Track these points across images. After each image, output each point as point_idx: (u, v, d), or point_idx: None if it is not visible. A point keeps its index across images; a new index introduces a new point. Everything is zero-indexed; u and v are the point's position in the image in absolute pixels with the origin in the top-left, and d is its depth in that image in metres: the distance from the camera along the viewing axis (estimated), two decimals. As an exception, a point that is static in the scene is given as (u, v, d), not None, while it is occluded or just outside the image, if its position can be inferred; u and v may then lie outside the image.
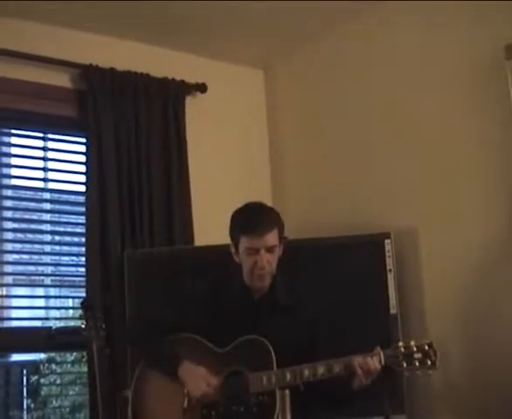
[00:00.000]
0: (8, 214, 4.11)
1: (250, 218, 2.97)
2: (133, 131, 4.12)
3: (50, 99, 4.00)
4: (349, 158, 4.31)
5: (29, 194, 4.23)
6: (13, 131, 4.11)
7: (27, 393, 4.37)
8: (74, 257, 4.22)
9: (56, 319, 4.06)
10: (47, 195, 4.22)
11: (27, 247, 4.22)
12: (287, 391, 2.44)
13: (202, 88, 4.45)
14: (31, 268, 4.22)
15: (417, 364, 2.76)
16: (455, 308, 3.69)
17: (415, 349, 2.77)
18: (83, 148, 4.07)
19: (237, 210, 3.03)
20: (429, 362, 2.75)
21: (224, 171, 4.54)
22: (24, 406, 4.29)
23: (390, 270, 3.75)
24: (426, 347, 2.77)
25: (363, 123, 4.24)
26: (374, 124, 4.18)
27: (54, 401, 4.34)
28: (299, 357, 2.84)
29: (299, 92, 4.72)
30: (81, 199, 4.04)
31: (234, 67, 4.73)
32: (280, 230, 2.98)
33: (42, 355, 4.35)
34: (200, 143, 4.40)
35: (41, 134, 4.15)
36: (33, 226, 4.23)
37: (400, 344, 2.80)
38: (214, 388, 2.85)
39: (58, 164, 4.18)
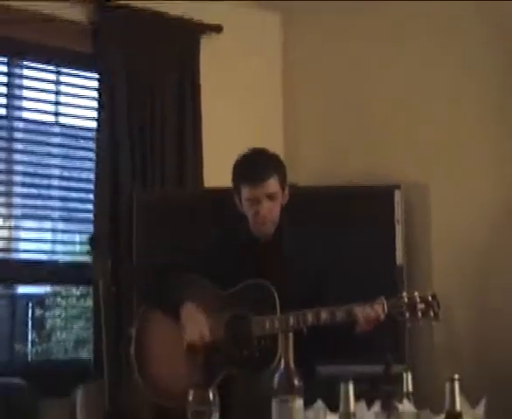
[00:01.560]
0: (18, 146, 4.10)
1: (249, 167, 2.95)
2: (146, 69, 4.08)
3: (64, 33, 3.95)
4: (364, 110, 4.28)
5: (39, 127, 4.22)
6: (25, 63, 4.07)
7: (32, 326, 4.40)
8: (83, 194, 4.21)
9: (63, 253, 4.08)
10: (57, 130, 4.20)
11: (36, 181, 4.21)
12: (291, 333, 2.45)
13: (217, 29, 4.40)
14: (40, 202, 4.22)
15: (419, 315, 2.76)
16: (461, 263, 3.70)
17: (418, 300, 2.77)
18: (96, 84, 4.05)
19: (237, 160, 3.00)
20: (432, 314, 2.76)
21: (237, 114, 4.50)
22: (29, 338, 4.32)
23: (398, 220, 3.74)
24: (430, 298, 2.77)
25: (379, 79, 4.21)
26: (390, 80, 4.15)
27: (58, 334, 4.37)
28: (303, 306, 2.84)
29: (316, 39, 4.64)
30: (91, 135, 4.02)
31: (251, 9, 4.66)
32: (280, 177, 2.94)
33: (48, 289, 4.37)
34: (214, 85, 4.36)
35: (54, 68, 4.11)
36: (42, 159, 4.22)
37: (404, 294, 2.80)
38: (212, 334, 2.84)
39: (69, 99, 4.16)
